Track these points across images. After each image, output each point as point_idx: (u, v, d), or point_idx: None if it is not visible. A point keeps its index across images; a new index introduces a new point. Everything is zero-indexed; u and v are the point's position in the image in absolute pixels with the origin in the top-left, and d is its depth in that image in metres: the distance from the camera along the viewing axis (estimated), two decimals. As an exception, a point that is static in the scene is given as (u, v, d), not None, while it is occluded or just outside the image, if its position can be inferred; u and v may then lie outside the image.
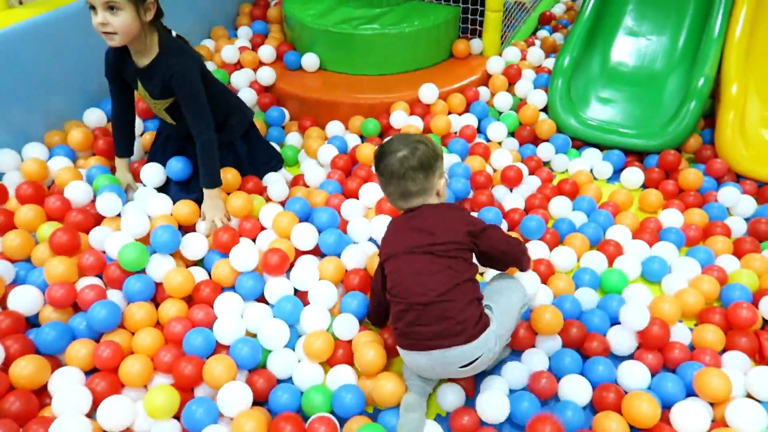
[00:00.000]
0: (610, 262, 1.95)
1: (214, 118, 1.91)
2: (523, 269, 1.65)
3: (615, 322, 1.74)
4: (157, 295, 1.77)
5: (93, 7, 1.65)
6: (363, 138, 2.56)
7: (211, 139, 1.89)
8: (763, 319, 1.75)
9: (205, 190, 1.92)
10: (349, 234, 1.99)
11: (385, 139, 1.49)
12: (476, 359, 1.41)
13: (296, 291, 1.80)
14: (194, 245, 1.85)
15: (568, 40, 2.78)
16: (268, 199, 2.15)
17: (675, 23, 2.90)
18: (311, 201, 2.12)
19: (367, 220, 2.00)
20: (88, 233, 1.86)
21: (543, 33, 3.30)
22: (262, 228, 1.99)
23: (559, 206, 2.16)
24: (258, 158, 2.23)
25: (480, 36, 2.87)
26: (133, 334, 1.64)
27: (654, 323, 1.63)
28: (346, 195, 2.18)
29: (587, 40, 2.84)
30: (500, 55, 2.86)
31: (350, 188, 2.18)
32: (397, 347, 1.49)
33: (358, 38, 2.66)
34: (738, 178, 2.34)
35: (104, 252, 1.82)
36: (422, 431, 1.45)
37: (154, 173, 2.06)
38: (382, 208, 1.99)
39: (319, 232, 1.94)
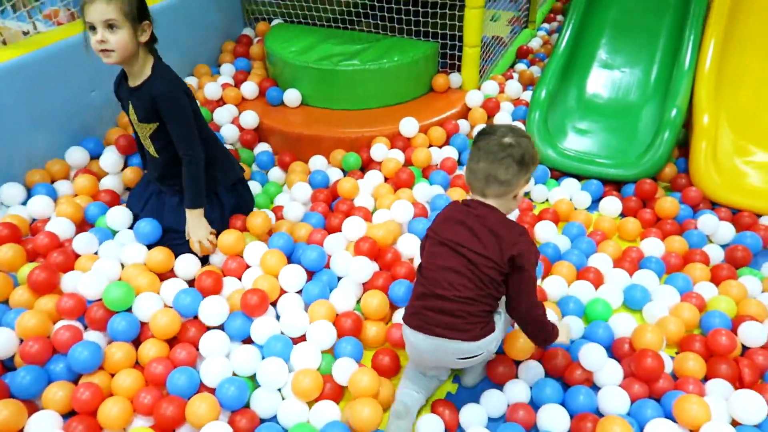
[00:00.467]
0: (595, 288, 1.98)
1: None
2: (537, 342, 1.60)
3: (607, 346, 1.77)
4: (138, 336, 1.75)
5: (93, 27, 1.73)
6: (345, 172, 2.59)
7: (198, 157, 1.90)
8: (743, 345, 1.77)
9: (187, 210, 1.93)
10: (332, 268, 2.00)
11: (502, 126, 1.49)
12: (475, 356, 1.48)
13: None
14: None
15: (544, 73, 2.86)
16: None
17: (647, 56, 3.00)
18: (294, 235, 2.13)
19: (349, 254, 2.00)
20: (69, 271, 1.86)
21: (521, 66, 3.38)
22: (247, 266, 1.99)
23: (545, 232, 2.21)
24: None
25: (459, 70, 2.93)
26: (112, 375, 1.62)
27: (647, 355, 1.64)
28: (327, 229, 2.19)
29: (563, 73, 2.92)
30: (479, 88, 2.92)
31: (332, 223, 2.19)
32: (404, 325, 1.54)
33: (339, 74, 2.71)
34: (713, 205, 2.39)
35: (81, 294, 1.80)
36: None
37: (119, 217, 2.07)
38: (361, 249, 2.00)
39: (305, 269, 1.94)
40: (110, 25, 1.72)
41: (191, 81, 2.95)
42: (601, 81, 2.99)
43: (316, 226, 2.19)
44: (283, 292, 1.90)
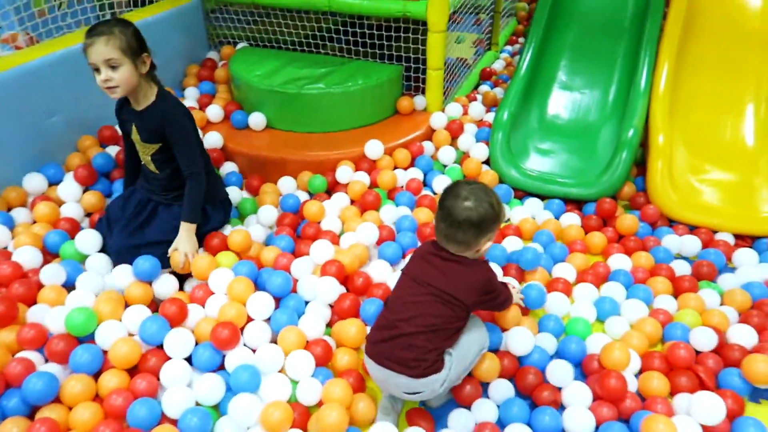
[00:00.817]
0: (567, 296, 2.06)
1: None
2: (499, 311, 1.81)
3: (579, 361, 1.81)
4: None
5: (97, 69, 1.84)
6: (311, 194, 2.59)
7: (201, 174, 2.02)
8: (695, 350, 1.82)
9: (183, 224, 2.01)
10: (299, 292, 1.99)
11: (463, 180, 1.57)
12: (418, 393, 1.53)
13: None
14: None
15: (506, 95, 2.92)
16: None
17: (605, 78, 3.09)
18: (262, 258, 2.12)
19: (316, 277, 2.00)
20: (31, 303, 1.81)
21: (484, 88, 3.45)
22: (211, 293, 1.96)
23: (512, 246, 2.26)
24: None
25: (423, 93, 2.97)
26: (70, 408, 1.57)
27: (610, 376, 1.67)
28: (294, 253, 2.18)
29: (525, 95, 2.98)
30: (443, 110, 2.97)
31: (299, 246, 2.19)
32: (364, 351, 1.61)
33: (304, 97, 2.72)
34: (670, 222, 2.46)
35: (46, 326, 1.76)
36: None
37: (89, 241, 2.04)
38: (327, 271, 1.99)
39: (272, 294, 1.92)
40: (112, 66, 1.83)
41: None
42: (562, 102, 3.07)
43: (284, 250, 2.17)
44: (250, 319, 1.87)
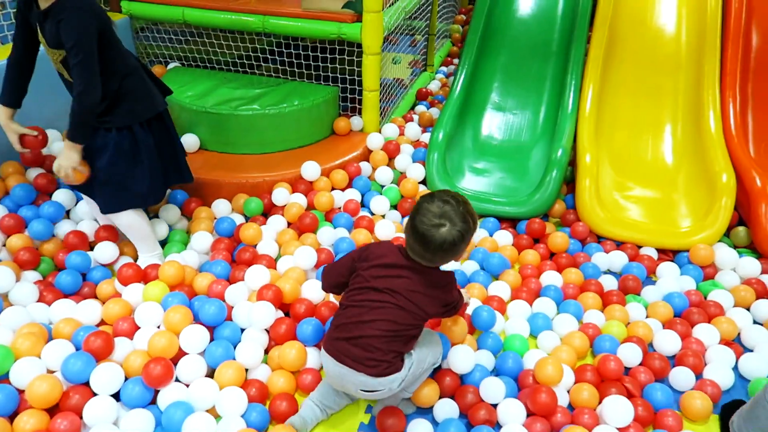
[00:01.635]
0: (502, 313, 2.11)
1: (107, 92, 1.88)
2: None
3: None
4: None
5: None
6: (247, 218, 2.54)
7: (90, 97, 1.82)
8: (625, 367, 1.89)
9: (65, 140, 1.89)
10: (234, 320, 1.93)
11: (435, 194, 1.49)
12: (376, 391, 1.54)
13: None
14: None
15: (441, 116, 2.97)
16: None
17: (536, 99, 3.20)
18: (195, 285, 2.06)
19: (251, 303, 1.95)
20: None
21: (421, 108, 3.50)
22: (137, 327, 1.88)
23: (448, 264, 2.26)
24: (165, 157, 2.14)
25: (360, 114, 2.99)
26: (-18, 456, 1.46)
27: (540, 391, 1.70)
28: (229, 279, 2.13)
29: (459, 116, 3.05)
30: (380, 131, 2.99)
31: (234, 272, 2.14)
32: (322, 347, 1.60)
33: (239, 119, 2.68)
34: (599, 239, 2.56)
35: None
36: None
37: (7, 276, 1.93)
38: (264, 295, 1.95)
39: (204, 325, 1.87)
40: None
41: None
42: (495, 123, 3.15)
43: (219, 276, 2.12)
44: (183, 352, 1.81)
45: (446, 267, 1.67)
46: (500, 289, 2.21)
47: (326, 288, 1.73)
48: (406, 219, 2.34)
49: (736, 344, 2.02)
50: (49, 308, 1.94)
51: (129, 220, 2.12)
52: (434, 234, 1.43)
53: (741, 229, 2.55)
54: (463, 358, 1.80)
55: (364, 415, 1.76)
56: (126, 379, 1.70)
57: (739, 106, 2.90)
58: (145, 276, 2.08)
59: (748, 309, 2.18)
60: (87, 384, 1.66)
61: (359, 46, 2.74)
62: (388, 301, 1.50)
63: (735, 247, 2.53)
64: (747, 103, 2.97)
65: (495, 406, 1.73)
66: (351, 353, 1.51)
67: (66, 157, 1.91)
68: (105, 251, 2.19)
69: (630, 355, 1.90)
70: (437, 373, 1.80)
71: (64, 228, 2.30)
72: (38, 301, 1.99)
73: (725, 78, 2.96)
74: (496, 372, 1.89)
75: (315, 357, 1.84)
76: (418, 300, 1.51)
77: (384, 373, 1.51)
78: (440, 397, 1.75)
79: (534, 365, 1.83)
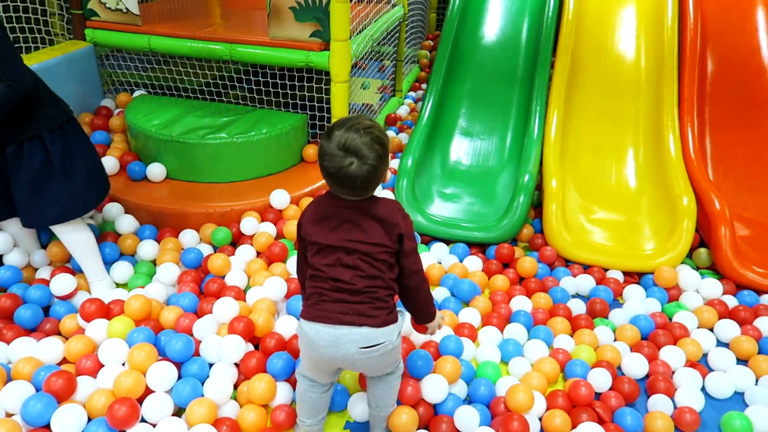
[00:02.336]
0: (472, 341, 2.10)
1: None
2: (423, 317, 1.64)
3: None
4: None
5: None
6: (215, 248, 2.50)
7: (21, 84, 1.79)
8: (595, 392, 1.91)
9: None
10: (201, 355, 1.89)
11: (334, 126, 1.37)
12: (378, 344, 1.45)
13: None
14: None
15: (410, 142, 3.00)
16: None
17: (502, 125, 3.25)
18: (161, 319, 2.01)
19: (219, 337, 1.92)
20: None
21: (390, 134, 3.52)
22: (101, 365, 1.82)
23: None
24: (75, 166, 2.04)
25: (329, 140, 2.98)
26: None
27: (512, 419, 1.70)
28: (197, 312, 2.09)
29: (428, 141, 3.08)
30: (349, 157, 2.99)
31: (202, 305, 2.09)
32: (301, 320, 1.49)
33: (206, 147, 2.66)
34: (567, 262, 2.60)
35: None
36: None
37: None
38: (235, 328, 1.92)
39: (171, 360, 1.82)
40: None
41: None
42: (463, 148, 3.19)
43: (186, 309, 2.08)
44: (149, 391, 1.76)
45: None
46: (471, 315, 2.21)
47: (302, 282, 1.65)
48: None
49: (701, 365, 2.06)
50: (8, 347, 1.87)
51: (76, 235, 2.09)
52: (346, 174, 1.35)
53: (702, 250, 2.62)
54: (436, 387, 1.80)
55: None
56: (89, 420, 1.64)
57: (697, 130, 3.00)
58: (108, 311, 2.03)
59: (711, 330, 2.23)
60: (48, 427, 1.60)
61: (327, 73, 2.75)
62: (354, 256, 1.42)
63: (697, 268, 2.60)
64: (704, 127, 3.08)
65: (467, 435, 1.73)
66: (349, 309, 1.43)
67: None
68: (62, 284, 2.13)
69: (600, 379, 1.92)
70: (412, 401, 1.79)
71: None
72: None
73: (683, 103, 3.06)
74: (469, 400, 1.89)
75: (286, 391, 1.81)
76: (374, 231, 1.43)
77: (387, 321, 1.46)
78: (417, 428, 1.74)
79: (505, 392, 1.84)
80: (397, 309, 1.54)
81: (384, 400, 1.66)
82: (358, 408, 1.78)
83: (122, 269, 2.29)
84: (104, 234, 2.46)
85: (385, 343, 1.47)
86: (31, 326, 2.01)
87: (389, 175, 1.49)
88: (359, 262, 1.43)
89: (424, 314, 1.63)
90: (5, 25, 1.84)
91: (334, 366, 1.54)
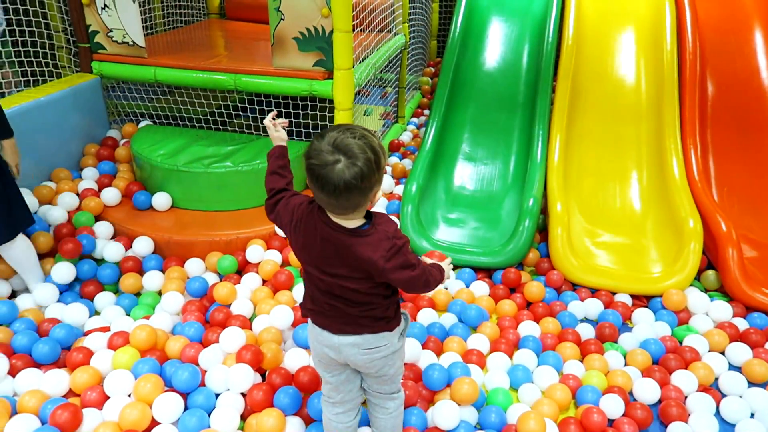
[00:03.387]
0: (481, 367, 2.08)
1: None
2: (438, 284, 1.52)
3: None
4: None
5: None
6: (221, 276, 2.50)
7: None
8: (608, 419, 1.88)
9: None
10: (207, 385, 1.88)
11: (326, 131, 1.25)
12: (379, 347, 1.43)
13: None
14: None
15: (414, 168, 3.01)
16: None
17: (505, 150, 3.27)
18: (167, 349, 2.00)
19: (226, 367, 1.90)
20: None
21: (393, 160, 3.54)
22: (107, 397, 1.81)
23: (428, 318, 2.28)
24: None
25: (333, 167, 3.00)
26: None
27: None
28: (203, 342, 2.07)
29: (431, 167, 3.09)
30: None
31: (207, 335, 2.08)
32: (310, 322, 1.48)
33: (211, 176, 2.67)
34: (574, 286, 2.58)
35: None
36: None
37: None
38: (243, 357, 1.91)
39: (177, 391, 1.81)
40: None
41: (50, 185, 2.75)
42: (467, 173, 3.20)
43: (192, 339, 2.06)
44: (155, 423, 1.73)
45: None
46: (479, 342, 2.19)
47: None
48: None
49: (714, 390, 2.03)
50: (13, 380, 1.86)
51: (23, 247, 2.22)
52: (329, 173, 1.19)
53: (710, 272, 2.60)
54: (448, 414, 1.78)
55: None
56: (95, 454, 1.62)
57: (700, 152, 3.01)
58: (112, 341, 2.01)
59: (722, 353, 2.21)
60: (53, 461, 1.58)
61: (331, 101, 2.78)
62: (337, 284, 1.35)
63: (706, 290, 2.58)
64: (707, 149, 3.09)
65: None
66: (349, 321, 1.40)
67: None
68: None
69: (612, 406, 1.89)
70: (424, 431, 1.77)
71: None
72: (7, 373, 1.90)
73: (685, 126, 3.07)
74: (480, 427, 1.86)
75: (295, 426, 1.79)
76: (358, 272, 1.32)
77: (388, 328, 1.43)
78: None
79: (516, 420, 1.81)
80: (400, 312, 1.50)
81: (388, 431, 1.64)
82: None
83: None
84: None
85: (387, 345, 1.46)
86: (48, 362, 1.99)
87: (379, 197, 1.35)
88: (349, 294, 1.37)
89: (431, 289, 1.50)
90: None
91: (338, 363, 1.51)
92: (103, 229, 2.58)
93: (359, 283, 1.34)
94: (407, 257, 1.34)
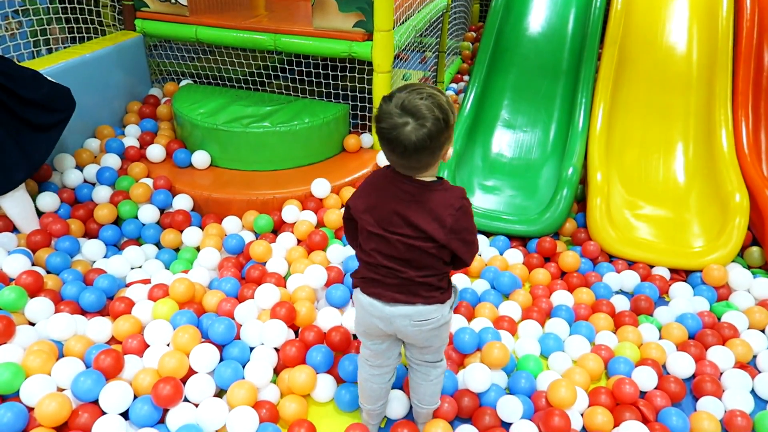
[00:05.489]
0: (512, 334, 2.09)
1: None
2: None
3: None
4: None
5: None
6: (257, 235, 2.54)
7: None
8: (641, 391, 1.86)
9: None
10: (242, 339, 1.93)
11: (394, 93, 1.27)
12: (430, 319, 1.44)
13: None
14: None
15: (451, 134, 2.97)
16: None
17: (546, 117, 3.20)
18: (204, 303, 2.06)
19: (261, 322, 1.95)
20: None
21: (430, 125, 3.50)
22: (147, 345, 1.87)
23: (459, 282, 2.30)
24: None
25: (370, 131, 2.99)
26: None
27: (553, 414, 1.68)
28: (238, 297, 2.12)
29: (469, 133, 3.05)
30: (390, 148, 2.99)
31: (243, 291, 2.13)
32: (358, 291, 1.48)
33: (249, 136, 2.69)
34: (610, 258, 2.54)
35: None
36: None
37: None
38: (277, 314, 1.95)
39: (213, 343, 1.86)
40: None
41: (93, 143, 2.83)
42: (505, 140, 3.15)
43: (228, 294, 2.12)
44: (192, 371, 1.80)
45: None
46: (511, 309, 2.19)
47: (351, 243, 1.59)
48: None
49: (752, 367, 1.99)
50: (60, 326, 1.94)
51: (21, 198, 2.26)
52: (399, 135, 1.22)
53: (755, 249, 2.52)
54: (479, 377, 1.79)
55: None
56: (135, 397, 1.69)
57: (752, 125, 2.89)
58: (152, 293, 2.08)
59: (763, 331, 2.15)
60: (96, 402, 1.66)
61: (370, 63, 2.75)
62: (403, 244, 1.35)
63: (749, 267, 2.50)
64: (760, 122, 2.96)
65: (510, 425, 1.72)
66: (403, 290, 1.40)
67: None
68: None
69: (645, 378, 1.87)
70: (455, 393, 1.79)
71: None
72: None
73: (737, 97, 2.94)
74: (510, 392, 1.87)
75: (326, 383, 1.83)
76: (429, 227, 1.32)
77: (441, 299, 1.43)
78: (458, 417, 1.74)
79: (547, 387, 1.81)
80: (452, 285, 1.50)
81: (427, 399, 1.65)
82: (393, 405, 1.76)
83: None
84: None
85: (438, 317, 1.45)
86: (94, 309, 2.07)
87: (450, 154, 1.36)
88: (409, 256, 1.37)
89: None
90: None
91: (385, 334, 1.51)
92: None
93: (425, 242, 1.35)
94: (472, 222, 1.38)
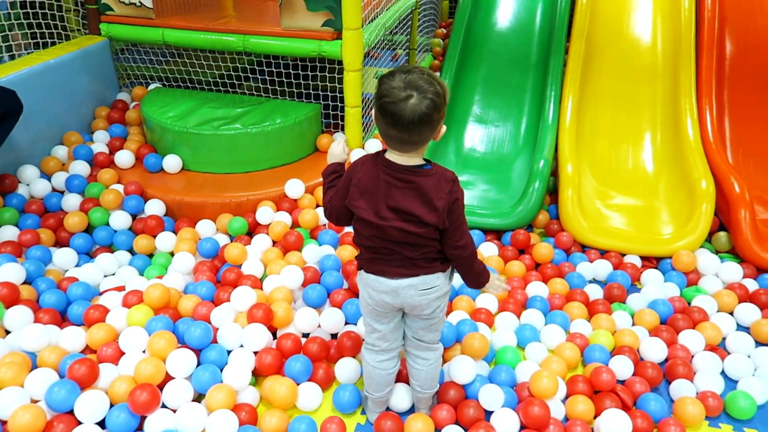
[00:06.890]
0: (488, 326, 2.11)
1: None
2: (475, 281, 1.59)
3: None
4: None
5: None
6: (231, 237, 2.53)
7: None
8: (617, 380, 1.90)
9: None
10: (219, 342, 1.92)
11: (394, 70, 1.34)
12: (434, 287, 1.51)
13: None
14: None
15: (423, 130, 2.98)
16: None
17: (516, 111, 3.23)
18: (179, 308, 2.04)
19: (237, 325, 1.94)
20: None
21: (403, 122, 3.51)
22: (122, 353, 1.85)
23: None
24: None
25: (343, 130, 2.99)
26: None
27: (533, 404, 1.70)
28: (214, 301, 2.11)
29: (441, 129, 3.06)
30: (363, 147, 2.99)
31: (219, 294, 2.11)
32: (362, 271, 1.55)
33: (221, 138, 2.67)
34: (583, 248, 2.58)
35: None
36: None
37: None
38: (254, 315, 1.94)
39: (190, 347, 1.85)
40: None
41: (61, 150, 2.78)
42: (477, 135, 3.18)
43: (204, 297, 2.10)
44: (169, 377, 1.78)
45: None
46: (487, 301, 2.21)
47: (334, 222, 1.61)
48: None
49: (721, 349, 2.04)
50: (33, 336, 1.90)
51: None
52: (403, 108, 1.29)
53: (722, 234, 2.58)
54: (465, 369, 1.81)
55: (360, 416, 1.78)
56: (111, 406, 1.67)
57: (716, 113, 2.96)
58: (126, 300, 2.05)
59: (731, 314, 2.21)
60: (71, 413, 1.63)
61: (340, 62, 2.75)
62: (398, 229, 1.40)
63: (717, 252, 2.57)
64: (723, 110, 3.03)
65: (492, 413, 1.74)
66: (407, 264, 1.47)
67: None
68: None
69: (622, 366, 1.90)
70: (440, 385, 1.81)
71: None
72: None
73: (701, 86, 3.01)
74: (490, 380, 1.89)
75: (309, 392, 1.83)
76: (422, 213, 1.38)
77: (442, 269, 1.50)
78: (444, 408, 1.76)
79: (529, 378, 1.83)
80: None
81: (429, 383, 1.69)
82: (396, 397, 1.78)
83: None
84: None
85: (441, 285, 1.53)
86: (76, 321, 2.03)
87: (443, 131, 1.42)
88: (406, 240, 1.43)
89: (471, 280, 1.59)
90: None
91: (394, 308, 1.56)
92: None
93: (418, 227, 1.40)
94: (462, 211, 1.44)
